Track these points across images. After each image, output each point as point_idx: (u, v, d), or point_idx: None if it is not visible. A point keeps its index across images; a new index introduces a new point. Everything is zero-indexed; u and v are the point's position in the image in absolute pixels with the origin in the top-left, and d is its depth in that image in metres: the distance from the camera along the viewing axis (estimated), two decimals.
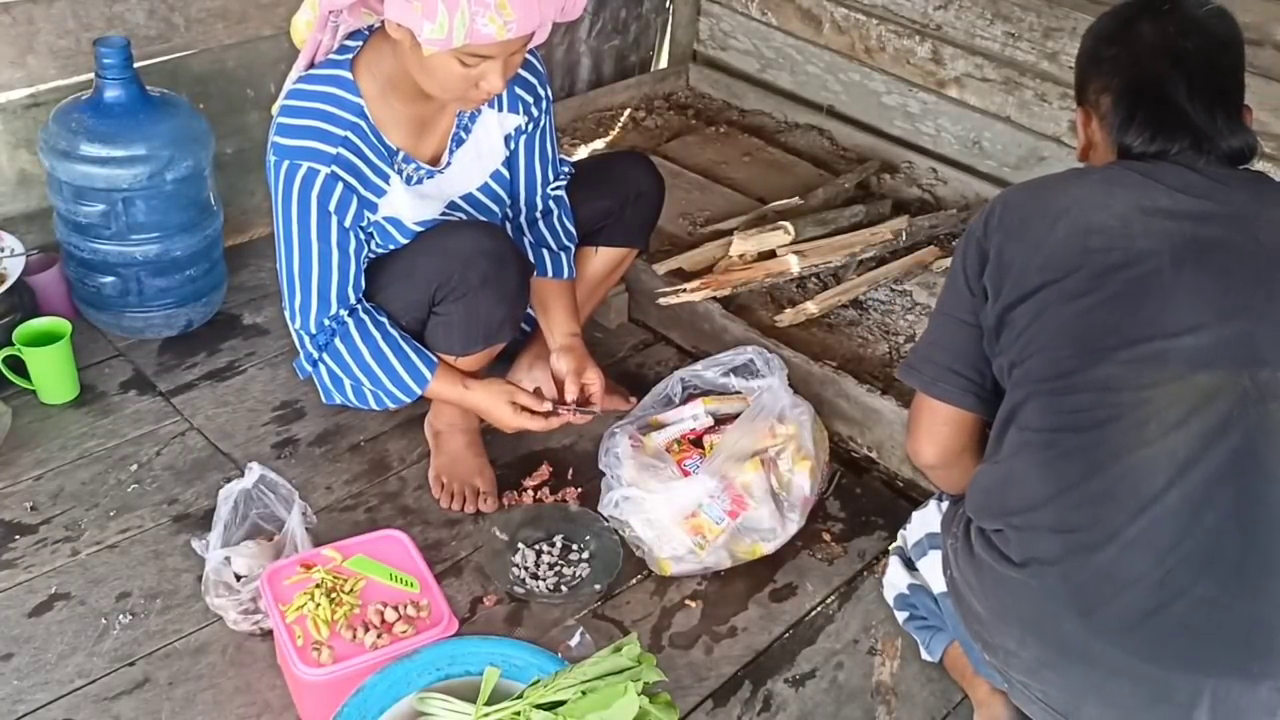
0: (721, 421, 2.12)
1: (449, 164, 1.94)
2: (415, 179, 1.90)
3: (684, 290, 2.45)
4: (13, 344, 2.17)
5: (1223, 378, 1.33)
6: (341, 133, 1.78)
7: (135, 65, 2.21)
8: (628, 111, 3.41)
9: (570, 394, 2.01)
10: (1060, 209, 1.45)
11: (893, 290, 2.66)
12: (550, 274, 2.09)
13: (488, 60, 1.67)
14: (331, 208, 1.80)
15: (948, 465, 1.62)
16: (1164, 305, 1.36)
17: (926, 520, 1.81)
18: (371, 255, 1.93)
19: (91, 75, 2.23)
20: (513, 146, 2.01)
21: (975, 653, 1.61)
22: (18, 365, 2.19)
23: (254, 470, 1.84)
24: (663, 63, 3.68)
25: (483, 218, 2.02)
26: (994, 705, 1.67)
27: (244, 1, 2.57)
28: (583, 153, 3.14)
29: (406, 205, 1.89)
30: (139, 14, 2.44)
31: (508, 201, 2.07)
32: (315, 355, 1.92)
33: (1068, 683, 1.43)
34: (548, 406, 1.96)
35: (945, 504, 1.73)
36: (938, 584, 1.73)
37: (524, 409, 1.94)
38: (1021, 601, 1.44)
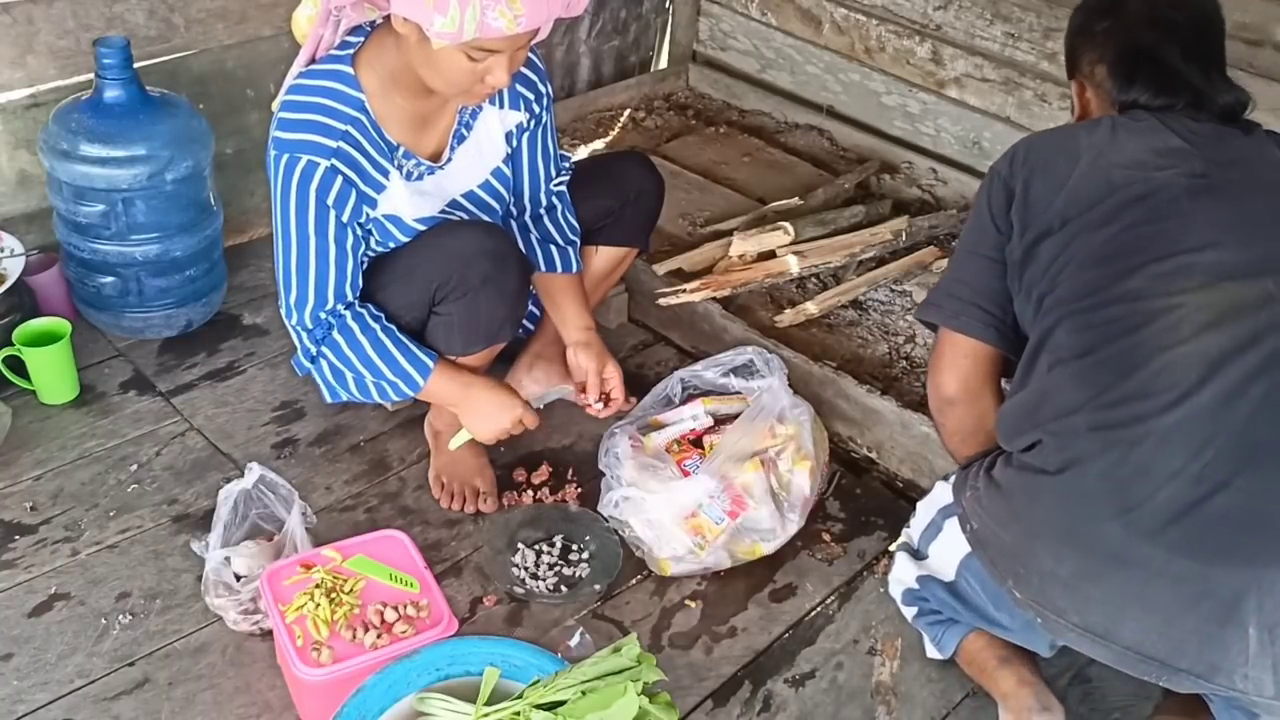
0: (721, 422, 2.12)
1: (450, 160, 1.93)
2: (416, 175, 1.90)
3: (684, 290, 2.45)
4: (13, 344, 2.17)
5: (1247, 285, 1.41)
6: (342, 127, 1.78)
7: (135, 65, 2.21)
8: (627, 112, 3.41)
9: (593, 393, 2.02)
10: (1081, 148, 1.56)
11: (892, 291, 2.66)
12: (560, 269, 2.08)
13: (495, 55, 1.67)
14: (330, 201, 1.80)
15: (967, 400, 1.67)
16: (1186, 226, 1.45)
17: (933, 501, 1.81)
18: (371, 254, 1.93)
19: (91, 75, 2.23)
20: (514, 143, 2.01)
21: (1004, 601, 1.60)
22: (18, 365, 2.19)
23: (254, 470, 1.84)
24: (663, 63, 3.68)
25: (484, 216, 2.02)
26: (1022, 695, 1.65)
27: (244, 1, 2.57)
28: (583, 153, 3.14)
29: (406, 202, 1.89)
30: (139, 14, 2.44)
31: (509, 199, 2.06)
32: (313, 351, 1.92)
33: (1106, 595, 1.44)
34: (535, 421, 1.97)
35: (954, 477, 1.74)
36: (951, 564, 1.73)
37: (525, 402, 1.95)
38: (1058, 510, 1.46)
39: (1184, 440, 1.38)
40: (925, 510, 1.83)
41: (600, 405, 2.03)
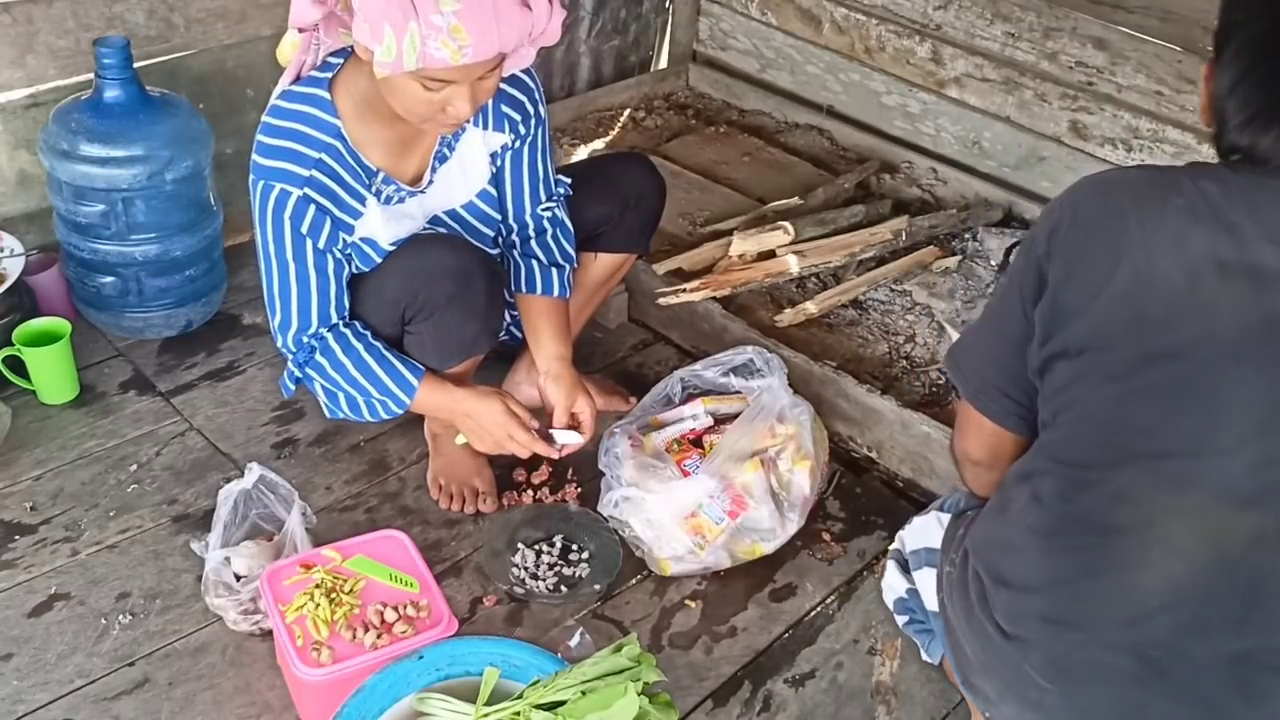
0: (721, 421, 2.12)
1: (431, 183, 1.90)
2: (395, 199, 1.87)
3: (684, 290, 2.45)
4: (13, 344, 2.17)
5: (1245, 515, 1.22)
6: (316, 154, 1.76)
7: (135, 65, 2.21)
8: (627, 111, 3.41)
9: (560, 425, 1.95)
10: (1127, 243, 1.24)
11: (892, 290, 2.66)
12: (540, 290, 2.03)
13: (451, 85, 1.63)
14: (304, 230, 1.79)
15: (991, 464, 1.56)
16: (1205, 413, 1.22)
17: (927, 532, 1.77)
18: (351, 274, 1.91)
19: (91, 75, 2.23)
20: (498, 164, 1.97)
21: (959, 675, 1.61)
22: (18, 365, 2.20)
23: (254, 470, 1.84)
24: (663, 63, 3.68)
25: (470, 238, 1.98)
26: None
27: (244, 1, 2.57)
28: (582, 153, 3.14)
29: (383, 227, 1.86)
30: (139, 14, 2.44)
31: (499, 219, 2.03)
32: (298, 374, 1.90)
33: None
34: (536, 424, 1.90)
35: (948, 519, 1.69)
36: (931, 600, 1.72)
37: (516, 416, 1.88)
38: (1006, 665, 1.42)
39: (1134, 654, 1.31)
40: (919, 533, 1.78)
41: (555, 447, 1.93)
